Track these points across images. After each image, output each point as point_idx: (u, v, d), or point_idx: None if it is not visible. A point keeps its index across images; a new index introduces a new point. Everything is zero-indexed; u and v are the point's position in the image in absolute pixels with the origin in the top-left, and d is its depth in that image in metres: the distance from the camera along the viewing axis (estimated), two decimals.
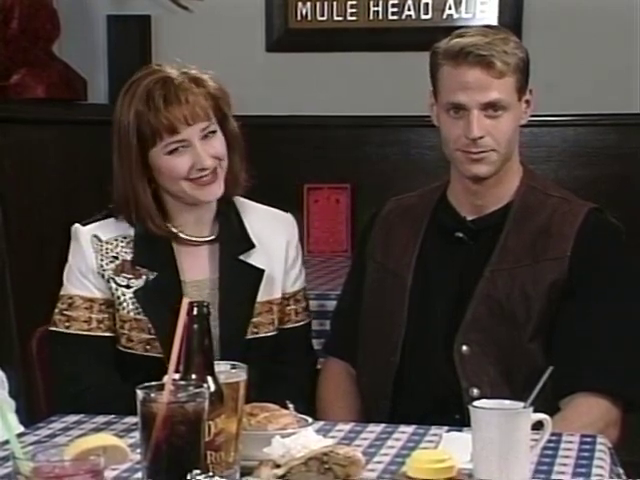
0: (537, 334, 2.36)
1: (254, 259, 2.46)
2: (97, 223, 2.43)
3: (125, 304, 2.38)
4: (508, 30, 2.52)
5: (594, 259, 2.38)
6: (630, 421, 2.37)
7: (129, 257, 2.40)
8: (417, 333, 2.46)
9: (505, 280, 2.39)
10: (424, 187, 2.61)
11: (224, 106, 2.43)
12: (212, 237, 2.47)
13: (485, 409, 1.80)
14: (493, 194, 2.46)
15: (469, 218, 2.48)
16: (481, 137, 2.34)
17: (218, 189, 2.39)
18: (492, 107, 2.35)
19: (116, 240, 2.42)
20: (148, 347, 2.36)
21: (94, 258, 2.39)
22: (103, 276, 2.39)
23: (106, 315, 2.40)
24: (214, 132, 2.38)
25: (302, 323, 2.54)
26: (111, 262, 2.40)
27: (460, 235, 2.47)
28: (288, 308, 2.51)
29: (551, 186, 2.56)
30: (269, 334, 2.46)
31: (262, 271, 2.44)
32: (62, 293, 2.43)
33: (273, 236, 2.51)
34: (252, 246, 2.46)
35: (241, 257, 2.44)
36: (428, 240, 2.51)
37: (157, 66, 2.43)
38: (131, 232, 2.42)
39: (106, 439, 1.78)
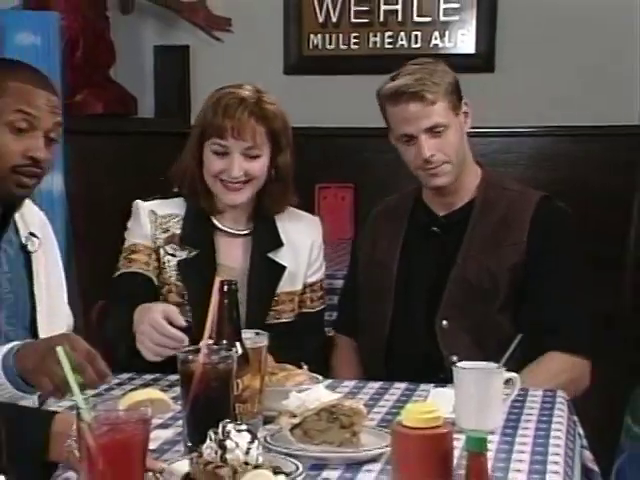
0: (504, 307, 2.35)
1: (281, 256, 2.40)
2: (155, 201, 2.40)
3: (168, 269, 2.35)
4: (436, 60, 2.46)
5: (547, 240, 2.36)
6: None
7: (178, 232, 2.36)
8: (403, 312, 2.44)
9: (474, 264, 2.37)
10: (403, 190, 2.59)
11: (282, 140, 2.35)
12: (247, 232, 2.42)
13: (466, 369, 1.82)
14: (457, 193, 2.43)
15: (441, 214, 2.46)
16: (432, 155, 2.32)
17: (241, 198, 2.33)
18: (434, 129, 2.32)
19: (169, 216, 2.38)
20: (178, 310, 2.30)
21: (149, 228, 2.36)
22: (155, 242, 2.36)
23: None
24: (257, 156, 2.31)
25: (316, 309, 2.49)
26: (163, 233, 2.36)
27: (435, 229, 2.46)
28: (305, 296, 2.46)
29: (507, 181, 2.53)
30: (289, 320, 2.42)
31: (284, 268, 2.39)
32: (125, 246, 2.39)
33: (300, 237, 2.45)
34: (281, 244, 2.41)
35: (269, 254, 2.39)
36: (409, 235, 2.49)
37: (239, 84, 2.36)
38: (182, 213, 2.38)
39: (153, 393, 1.78)
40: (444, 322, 2.38)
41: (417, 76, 2.32)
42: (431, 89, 2.30)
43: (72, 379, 1.38)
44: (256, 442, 1.47)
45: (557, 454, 1.71)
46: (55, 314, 2.24)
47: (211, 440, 1.54)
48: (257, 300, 2.31)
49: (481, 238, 2.39)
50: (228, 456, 1.51)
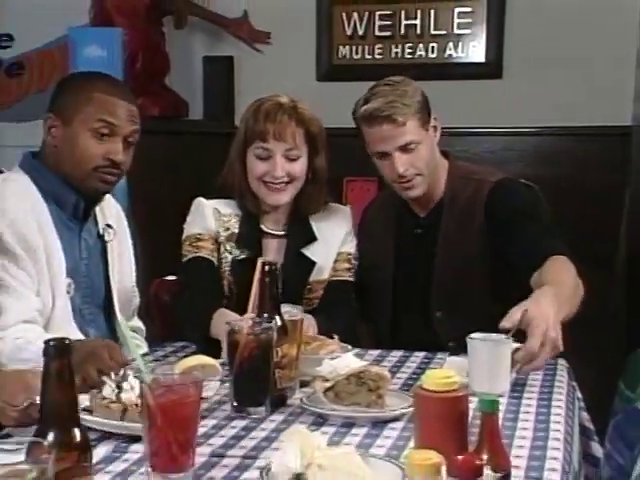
0: (490, 289, 2.28)
1: (313, 251, 2.34)
2: (217, 200, 2.34)
3: (224, 263, 2.30)
4: (405, 79, 2.34)
5: (502, 213, 2.26)
6: None
7: (236, 231, 2.31)
8: (402, 309, 2.39)
9: (451, 255, 2.31)
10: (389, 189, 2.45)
11: (318, 143, 2.30)
12: (284, 233, 2.36)
13: (479, 339, 1.81)
14: (430, 193, 2.35)
15: (422, 216, 2.40)
16: (405, 170, 2.25)
17: (284, 198, 2.28)
18: (406, 146, 2.24)
19: (230, 215, 2.33)
20: (224, 302, 2.24)
21: (213, 224, 2.31)
22: (218, 237, 2.31)
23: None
24: (297, 158, 2.26)
25: (344, 278, 2.37)
26: (225, 231, 2.32)
27: (418, 231, 2.39)
28: (335, 264, 2.37)
29: (470, 170, 2.43)
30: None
31: (314, 263, 2.33)
32: (188, 235, 2.32)
33: (333, 231, 2.38)
34: (314, 239, 2.35)
35: (303, 250, 2.34)
36: (398, 239, 2.42)
37: (275, 94, 2.31)
38: (240, 213, 2.34)
39: (203, 359, 1.78)
40: (438, 313, 2.32)
41: (389, 99, 2.24)
42: (402, 111, 2.22)
43: (133, 346, 1.38)
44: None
45: (559, 414, 1.70)
46: (126, 295, 2.26)
47: (111, 380, 1.60)
48: (292, 292, 2.19)
49: (453, 229, 2.33)
50: (122, 395, 1.57)
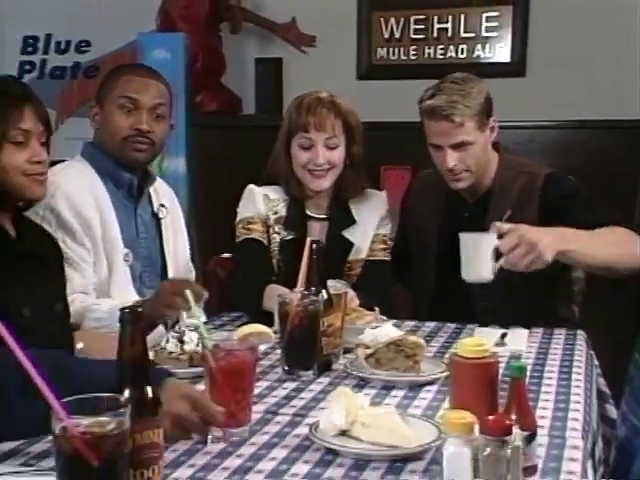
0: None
1: (352, 232, 2.32)
2: (266, 187, 2.33)
3: (273, 243, 2.30)
4: (473, 78, 2.20)
5: (561, 193, 2.18)
6: None
7: (284, 214, 2.30)
8: (444, 278, 2.28)
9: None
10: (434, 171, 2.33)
11: (355, 133, 2.26)
12: (326, 216, 2.33)
13: (467, 234, 1.93)
14: (479, 184, 2.26)
15: (470, 201, 2.30)
16: (454, 165, 2.17)
17: (325, 184, 2.26)
18: (459, 146, 2.15)
19: (278, 200, 2.32)
20: (273, 278, 2.24)
21: (263, 209, 2.30)
22: (266, 222, 2.30)
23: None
24: (336, 147, 2.23)
25: (380, 258, 2.34)
26: (274, 214, 2.30)
27: (466, 215, 2.29)
28: (372, 245, 2.34)
29: (520, 163, 2.33)
30: None
31: (353, 244, 2.31)
32: (240, 218, 2.31)
33: (370, 213, 2.35)
34: (353, 222, 2.33)
35: (343, 232, 2.32)
36: (445, 217, 2.33)
37: (315, 90, 2.28)
38: (287, 198, 2.32)
39: (258, 327, 1.79)
40: (478, 289, 2.18)
41: (452, 98, 2.13)
42: (461, 112, 2.12)
43: (198, 315, 1.38)
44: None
45: (579, 380, 1.68)
46: (180, 267, 2.27)
47: (173, 337, 1.69)
48: (333, 270, 2.18)
49: (500, 217, 2.15)
50: (186, 347, 1.68)
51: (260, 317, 1.97)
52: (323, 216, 2.33)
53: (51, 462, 1.11)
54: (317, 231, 2.32)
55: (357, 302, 2.05)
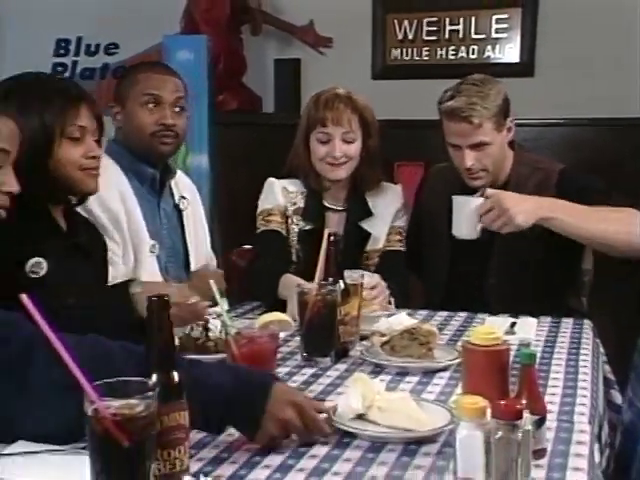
0: (546, 264, 2.16)
1: (369, 224, 2.32)
2: (286, 180, 2.33)
3: (292, 233, 2.30)
4: (491, 80, 2.18)
5: (576, 186, 2.13)
6: None
7: (302, 205, 2.30)
8: (457, 272, 2.27)
9: (512, 234, 2.11)
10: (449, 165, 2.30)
11: (371, 127, 2.25)
12: (344, 208, 2.33)
13: (457, 196, 2.04)
14: (495, 180, 2.21)
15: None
16: (472, 164, 2.14)
17: (342, 174, 2.25)
18: (477, 146, 2.12)
19: (296, 193, 2.32)
20: (292, 267, 2.25)
21: (282, 200, 2.31)
22: (284, 214, 2.30)
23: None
24: (353, 140, 2.22)
25: (396, 248, 2.33)
26: (292, 205, 2.31)
27: None
28: (389, 236, 2.33)
29: (535, 159, 2.30)
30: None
31: (370, 234, 2.31)
32: (261, 210, 2.31)
33: (386, 207, 2.34)
34: (370, 214, 2.32)
35: (360, 223, 2.32)
36: None
37: (332, 87, 2.28)
38: (304, 190, 2.31)
39: (278, 315, 1.78)
40: (492, 280, 2.21)
41: (471, 100, 2.10)
42: (480, 113, 2.09)
43: (222, 303, 1.38)
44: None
45: (585, 367, 1.67)
46: (201, 255, 2.28)
47: (198, 325, 1.69)
48: (351, 260, 2.18)
49: None
50: (210, 334, 1.68)
51: (276, 305, 1.97)
52: (341, 208, 2.33)
53: (84, 442, 1.12)
54: (335, 222, 2.31)
55: (381, 289, 2.03)
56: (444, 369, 1.61)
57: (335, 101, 2.22)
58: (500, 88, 2.17)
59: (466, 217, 2.00)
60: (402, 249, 2.34)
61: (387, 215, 2.34)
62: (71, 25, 4.41)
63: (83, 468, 1.02)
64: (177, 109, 2.12)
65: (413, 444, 1.22)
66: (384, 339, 1.66)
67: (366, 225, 2.32)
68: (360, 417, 1.28)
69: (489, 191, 2.00)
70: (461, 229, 2.03)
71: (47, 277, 1.60)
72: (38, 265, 1.60)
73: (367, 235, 2.31)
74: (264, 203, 2.33)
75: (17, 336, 1.18)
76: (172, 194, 2.24)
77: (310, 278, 1.77)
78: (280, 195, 2.31)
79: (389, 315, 1.81)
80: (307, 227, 2.28)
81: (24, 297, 1.00)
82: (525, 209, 1.94)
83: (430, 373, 1.60)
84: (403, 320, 1.70)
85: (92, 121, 1.67)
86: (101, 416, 0.97)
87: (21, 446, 1.20)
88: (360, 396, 1.28)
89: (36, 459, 1.17)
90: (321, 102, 2.23)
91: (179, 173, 2.29)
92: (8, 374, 1.16)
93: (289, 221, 2.31)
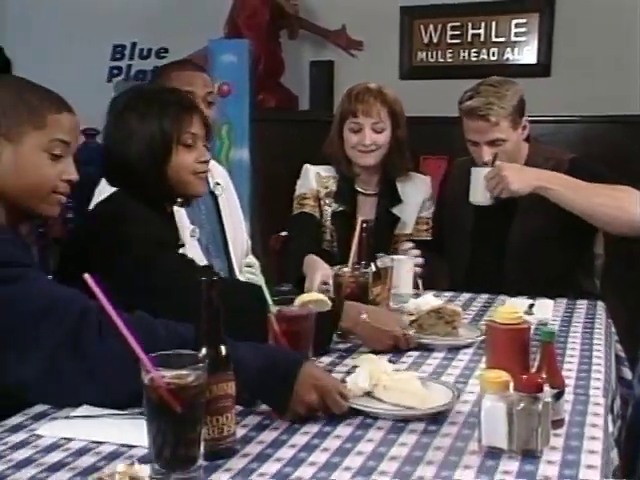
0: (562, 249, 2.12)
1: (398, 209, 2.30)
2: (319, 166, 2.33)
3: (325, 215, 2.29)
4: (508, 81, 2.15)
5: (585, 173, 2.06)
6: None
7: (334, 189, 2.30)
8: (479, 258, 2.21)
9: (529, 219, 2.14)
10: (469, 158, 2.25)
11: (399, 118, 2.24)
12: (374, 193, 2.32)
13: (475, 168, 2.10)
14: None
15: None
16: (489, 159, 2.09)
17: (371, 160, 2.24)
18: (494, 142, 2.09)
19: (328, 177, 2.32)
20: (325, 244, 2.27)
21: (315, 185, 2.31)
22: (318, 194, 2.30)
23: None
24: (382, 130, 2.22)
25: (422, 238, 2.31)
26: (324, 189, 2.31)
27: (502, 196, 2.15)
28: (416, 227, 2.33)
29: (548, 150, 2.25)
30: None
31: (399, 218, 2.29)
32: (296, 194, 2.31)
33: (414, 194, 2.32)
34: (400, 201, 2.31)
35: (390, 209, 2.30)
36: None
37: (367, 81, 2.28)
38: (337, 176, 2.31)
39: (317, 295, 1.75)
40: (510, 264, 2.16)
41: (489, 100, 2.07)
42: (496, 112, 2.06)
43: (265, 287, 1.37)
44: None
45: (599, 344, 1.64)
46: (237, 238, 2.27)
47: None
48: (381, 243, 2.14)
49: (531, 198, 2.09)
50: None
51: (300, 283, 1.96)
52: (372, 192, 2.32)
53: (141, 407, 1.12)
54: (367, 206, 2.31)
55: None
56: (468, 346, 1.59)
57: (366, 94, 2.22)
58: (516, 89, 2.14)
59: (479, 184, 2.07)
60: (428, 238, 2.33)
61: (416, 203, 2.33)
62: (126, 32, 4.46)
63: (141, 431, 1.02)
64: (208, 102, 2.09)
65: (434, 424, 1.18)
66: (412, 318, 1.65)
67: (396, 210, 2.31)
68: (367, 394, 1.25)
69: (498, 162, 2.06)
70: (475, 195, 2.09)
71: None
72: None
73: (397, 219, 2.30)
74: (300, 188, 2.34)
75: (79, 308, 1.18)
76: (207, 181, 2.22)
77: (342, 256, 1.76)
78: (313, 180, 2.31)
79: (417, 296, 1.80)
80: (340, 209, 2.28)
81: (87, 276, 1.01)
82: (522, 178, 2.00)
83: (455, 349, 1.57)
84: (430, 300, 1.68)
85: (202, 128, 1.67)
86: (156, 385, 0.97)
87: (85, 410, 1.22)
88: (367, 375, 1.25)
89: (98, 422, 1.18)
90: (353, 95, 2.23)
91: (212, 162, 2.26)
92: (73, 346, 1.17)
93: (321, 203, 2.30)
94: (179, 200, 1.73)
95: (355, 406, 1.21)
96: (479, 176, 2.07)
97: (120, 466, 0.87)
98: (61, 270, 1.58)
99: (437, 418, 1.20)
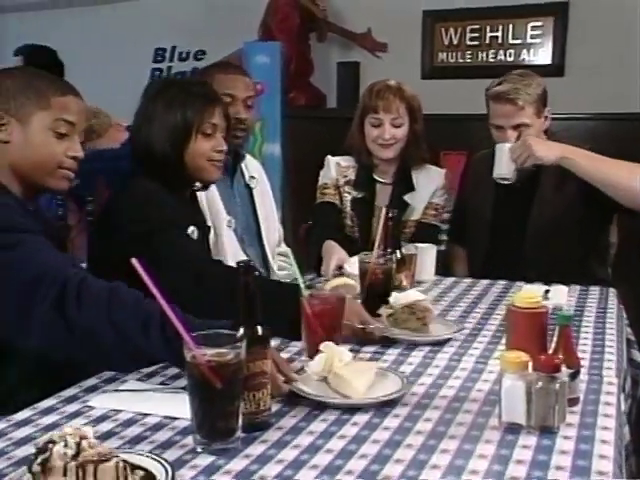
0: (580, 236, 2.08)
1: (410, 196, 2.27)
2: (340, 157, 2.33)
3: (345, 202, 2.28)
4: (533, 74, 2.14)
5: None
6: None
7: (353, 178, 2.29)
8: (497, 246, 2.17)
9: (547, 207, 2.11)
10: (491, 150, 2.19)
11: (417, 113, 2.21)
12: (391, 182, 2.30)
13: (501, 144, 2.07)
14: None
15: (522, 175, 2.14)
16: (513, 140, 2.08)
17: (390, 154, 2.23)
18: (518, 126, 2.07)
19: (347, 167, 2.31)
20: (347, 229, 2.25)
21: (335, 174, 2.30)
22: (338, 183, 2.29)
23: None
24: (400, 125, 2.20)
25: (430, 221, 2.27)
26: (344, 177, 2.30)
27: (518, 185, 2.12)
28: (425, 211, 2.28)
29: (565, 142, 2.16)
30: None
31: (408, 205, 2.26)
32: (319, 184, 2.32)
33: (427, 183, 2.29)
34: (413, 189, 2.28)
35: (403, 196, 2.27)
36: (499, 187, 2.15)
37: (387, 78, 2.27)
38: (356, 165, 2.30)
39: (345, 280, 1.76)
40: (528, 252, 2.11)
41: (516, 85, 2.07)
42: (523, 97, 2.05)
43: (298, 273, 1.36)
44: None
45: (611, 328, 1.61)
46: (271, 228, 2.26)
47: None
48: (394, 229, 2.06)
49: (549, 185, 2.12)
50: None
51: (319, 266, 1.94)
52: (389, 181, 2.30)
53: (183, 382, 1.12)
54: (384, 194, 2.29)
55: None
56: (440, 343, 1.47)
57: (386, 91, 2.20)
58: (540, 81, 2.14)
59: (503, 156, 2.04)
60: (435, 223, 2.28)
61: (427, 191, 2.29)
62: (167, 36, 4.47)
63: (184, 404, 1.02)
64: (247, 105, 2.06)
65: (456, 402, 1.16)
66: (390, 311, 1.56)
67: (408, 198, 2.28)
68: (324, 380, 1.21)
69: (522, 137, 2.04)
70: (501, 168, 2.06)
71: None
72: (193, 233, 1.64)
73: (406, 205, 2.28)
74: (322, 179, 2.34)
75: (63, 279, 1.18)
76: (243, 175, 2.22)
77: (362, 241, 1.74)
78: (333, 170, 2.31)
79: (400, 290, 1.68)
80: (359, 196, 2.27)
81: (134, 261, 1.01)
82: (547, 147, 2.01)
83: (437, 346, 1.46)
84: (410, 295, 1.57)
85: (223, 120, 1.68)
86: (198, 362, 0.97)
87: (132, 385, 1.22)
88: (323, 361, 1.22)
89: (145, 395, 1.19)
90: (374, 92, 2.21)
91: (248, 157, 2.26)
92: (60, 316, 1.16)
93: (341, 191, 2.29)
94: (197, 185, 1.73)
95: (297, 391, 1.17)
96: (504, 149, 2.04)
97: (68, 429, 0.84)
98: (91, 249, 1.64)
99: (459, 396, 1.18)
